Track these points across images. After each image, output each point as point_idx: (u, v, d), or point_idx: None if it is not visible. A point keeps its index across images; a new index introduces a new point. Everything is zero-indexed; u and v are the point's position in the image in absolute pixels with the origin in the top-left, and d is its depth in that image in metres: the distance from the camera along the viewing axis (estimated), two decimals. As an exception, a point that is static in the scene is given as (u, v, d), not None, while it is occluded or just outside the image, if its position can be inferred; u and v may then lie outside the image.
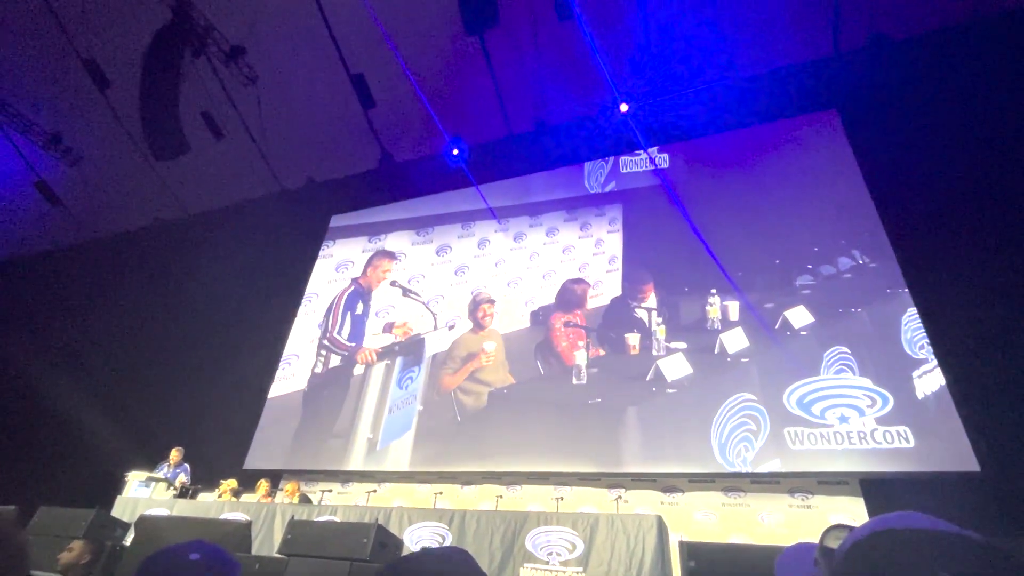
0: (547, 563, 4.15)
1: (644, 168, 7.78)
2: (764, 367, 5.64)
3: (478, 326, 7.40)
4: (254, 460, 7.41)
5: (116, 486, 6.23)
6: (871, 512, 4.92)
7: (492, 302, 7.48)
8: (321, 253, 9.31)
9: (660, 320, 6.43)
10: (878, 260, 5.75)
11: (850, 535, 0.75)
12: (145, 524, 4.38)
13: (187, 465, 6.74)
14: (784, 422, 5.25)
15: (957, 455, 4.54)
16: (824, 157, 6.64)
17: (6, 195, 10.90)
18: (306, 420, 7.57)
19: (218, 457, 7.41)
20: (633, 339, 6.43)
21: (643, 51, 7.68)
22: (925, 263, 5.55)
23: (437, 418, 6.88)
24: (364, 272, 8.73)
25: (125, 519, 4.89)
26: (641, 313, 6.60)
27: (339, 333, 8.19)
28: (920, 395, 4.94)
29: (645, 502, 5.65)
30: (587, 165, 8.22)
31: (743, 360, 5.78)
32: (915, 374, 5.04)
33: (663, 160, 7.70)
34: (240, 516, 5.09)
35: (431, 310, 7.84)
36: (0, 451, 9.25)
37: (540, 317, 7.17)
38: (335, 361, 7.98)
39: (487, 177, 8.63)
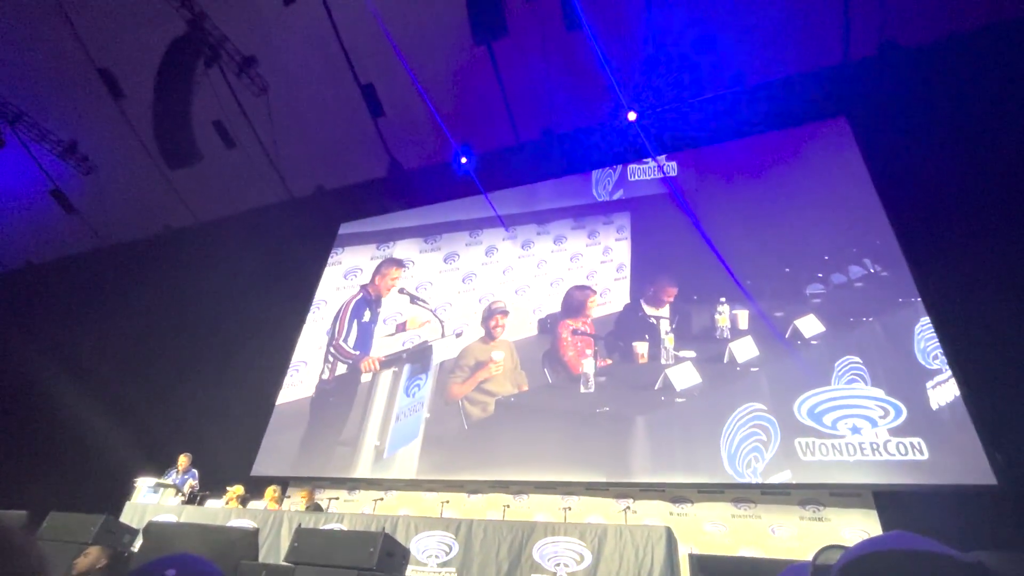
0: (554, 574, 4.11)
1: (652, 176, 7.77)
2: (774, 377, 5.58)
3: (489, 336, 7.40)
4: (261, 467, 7.43)
5: (125, 491, 6.26)
6: (885, 525, 4.84)
7: (505, 313, 7.45)
8: (330, 260, 9.36)
9: (669, 328, 6.40)
10: (890, 269, 5.69)
11: (844, 554, 0.77)
12: (153, 530, 4.39)
13: (195, 471, 6.76)
14: (795, 433, 5.18)
15: (973, 468, 4.45)
16: (834, 165, 6.60)
17: (22, 203, 11.09)
18: (313, 427, 7.58)
19: (226, 463, 7.43)
20: (641, 348, 6.39)
21: (651, 59, 7.70)
22: (938, 272, 5.47)
23: (444, 426, 6.86)
24: (372, 280, 8.77)
25: (134, 525, 4.91)
26: (654, 319, 6.56)
27: (345, 341, 8.21)
28: (934, 406, 4.86)
29: (654, 513, 5.59)
30: (595, 173, 8.23)
31: (753, 369, 5.73)
32: (929, 385, 4.96)
33: (671, 168, 7.69)
34: (247, 523, 5.10)
35: (439, 318, 7.85)
36: (12, 455, 9.34)
37: (548, 325, 7.16)
38: (342, 368, 8.00)
39: (495, 185, 8.66)
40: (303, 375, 8.19)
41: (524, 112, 8.89)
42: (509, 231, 8.26)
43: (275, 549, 4.83)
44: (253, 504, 6.09)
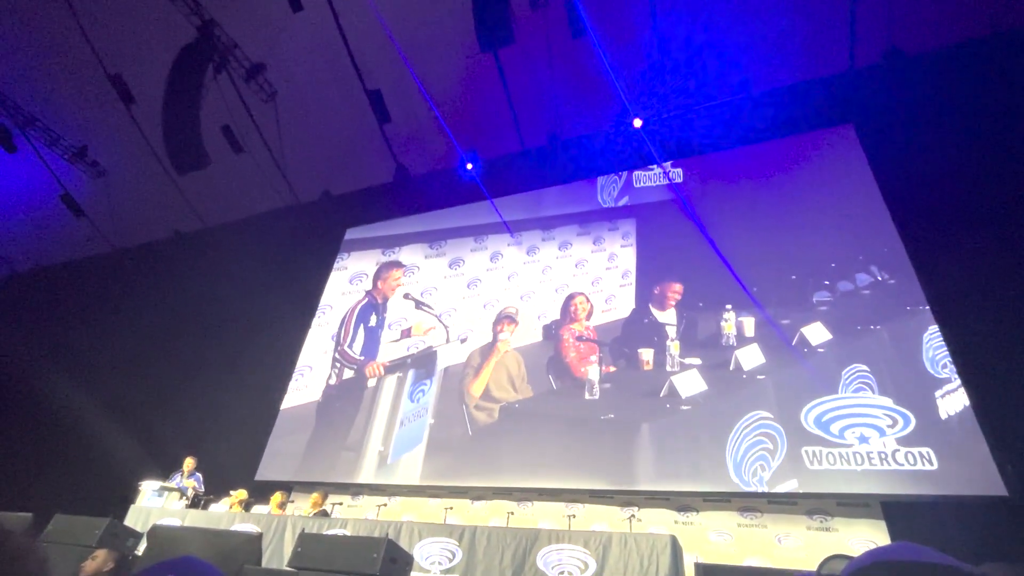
0: (558, 582, 4.08)
1: (658, 183, 7.77)
2: (780, 384, 5.54)
3: (495, 339, 7.40)
4: (266, 471, 7.43)
5: (130, 494, 6.28)
6: (893, 536, 4.78)
7: (516, 323, 7.43)
8: (336, 265, 9.40)
9: (675, 335, 6.37)
10: (897, 277, 5.65)
11: (849, 564, 0.77)
12: (157, 534, 4.40)
13: (200, 475, 6.77)
14: (802, 441, 5.13)
15: (983, 478, 4.40)
16: (840, 172, 6.58)
17: (32, 207, 11.21)
18: (319, 432, 7.59)
19: (230, 468, 7.44)
20: (647, 354, 6.36)
21: (657, 66, 7.72)
22: (946, 280, 5.43)
23: (448, 432, 6.85)
24: (375, 284, 8.79)
25: (138, 528, 4.91)
26: (660, 325, 6.53)
27: (350, 346, 8.23)
28: (943, 415, 4.81)
29: (659, 521, 5.55)
30: (600, 179, 8.23)
31: (759, 377, 5.69)
32: (938, 394, 4.91)
33: (677, 175, 7.69)
34: (251, 528, 5.09)
35: (443, 323, 7.86)
36: (18, 457, 9.39)
37: (552, 331, 7.15)
38: (349, 373, 8.01)
39: (500, 191, 8.68)
40: (308, 380, 8.20)
41: (530, 118, 8.92)
42: (514, 237, 8.27)
43: (278, 554, 4.82)
44: (257, 508, 6.09)
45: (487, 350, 7.32)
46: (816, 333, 5.70)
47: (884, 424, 4.93)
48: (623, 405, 6.11)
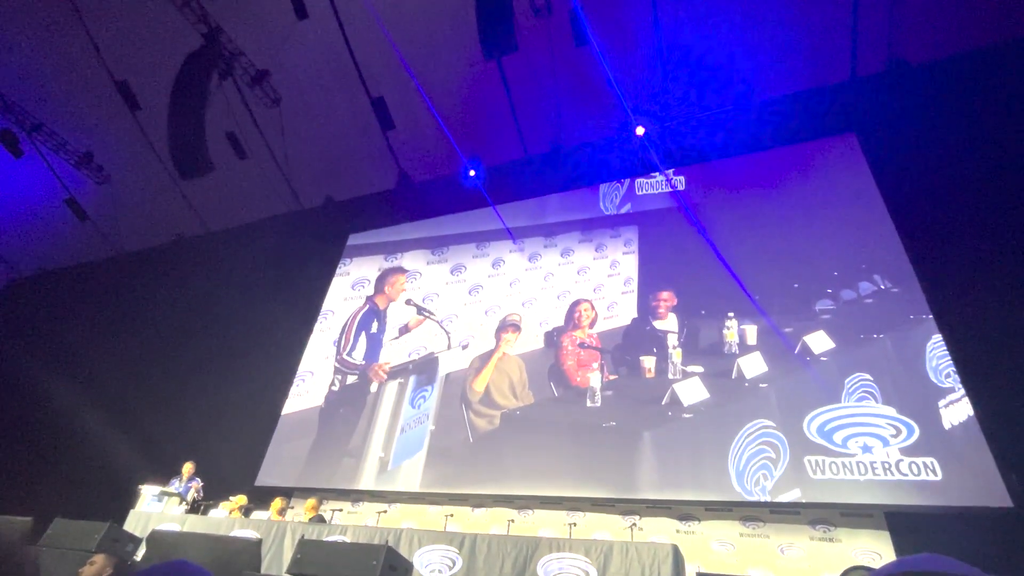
0: (559, 591, 4.05)
1: (660, 190, 7.78)
2: (783, 393, 5.52)
3: (497, 345, 7.39)
4: (266, 477, 7.41)
5: (130, 499, 6.26)
6: (897, 546, 4.73)
7: (519, 330, 7.42)
8: (338, 271, 9.41)
9: (677, 343, 6.35)
10: (900, 285, 5.63)
11: (874, 573, 0.75)
12: (156, 539, 4.38)
13: (199, 480, 6.75)
14: (804, 450, 5.10)
15: (987, 489, 4.36)
16: (843, 180, 6.58)
17: (37, 211, 11.27)
18: (320, 438, 7.57)
19: (230, 473, 7.42)
20: (649, 362, 6.35)
21: (660, 75, 7.75)
22: (950, 289, 5.41)
23: (449, 438, 6.82)
24: (378, 290, 8.80)
25: (137, 533, 4.89)
26: (661, 333, 6.52)
27: (350, 355, 8.22)
28: (947, 425, 4.78)
29: (660, 530, 5.51)
30: (602, 187, 8.25)
31: (761, 385, 5.66)
32: (941, 403, 4.88)
33: (680, 182, 7.70)
34: (250, 534, 5.07)
35: (445, 329, 7.85)
36: (18, 461, 9.38)
37: (554, 338, 7.13)
38: (352, 378, 8.00)
39: (503, 198, 8.70)
40: (309, 385, 8.19)
41: (533, 126, 8.96)
42: (516, 243, 8.28)
43: (278, 560, 4.79)
44: (256, 514, 6.07)
45: (488, 357, 7.31)
46: (819, 341, 5.68)
47: (887, 434, 4.90)
48: (625, 413, 6.09)
